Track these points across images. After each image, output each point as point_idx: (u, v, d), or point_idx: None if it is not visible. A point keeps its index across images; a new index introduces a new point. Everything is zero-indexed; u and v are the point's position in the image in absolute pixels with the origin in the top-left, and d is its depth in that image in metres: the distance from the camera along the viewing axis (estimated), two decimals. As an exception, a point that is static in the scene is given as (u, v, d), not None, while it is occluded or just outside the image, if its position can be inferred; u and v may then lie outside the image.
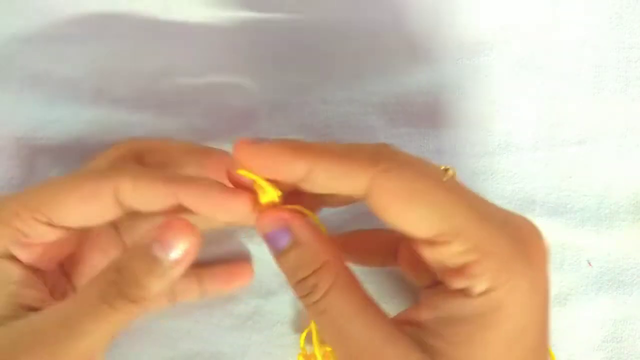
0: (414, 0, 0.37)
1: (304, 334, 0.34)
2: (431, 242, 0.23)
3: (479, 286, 0.23)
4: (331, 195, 0.26)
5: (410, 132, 0.36)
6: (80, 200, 0.26)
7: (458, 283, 0.23)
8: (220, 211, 0.25)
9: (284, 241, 0.24)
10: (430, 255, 0.24)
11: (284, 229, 0.24)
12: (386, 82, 0.36)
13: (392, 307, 0.35)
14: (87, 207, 0.26)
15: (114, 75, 0.36)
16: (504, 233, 0.23)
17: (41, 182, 0.28)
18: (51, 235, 0.27)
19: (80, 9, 0.37)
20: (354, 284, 0.25)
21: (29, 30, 0.36)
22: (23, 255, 0.27)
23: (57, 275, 0.30)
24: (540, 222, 0.35)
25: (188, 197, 0.25)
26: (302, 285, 0.24)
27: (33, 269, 0.27)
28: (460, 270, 0.23)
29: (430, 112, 0.36)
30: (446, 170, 0.27)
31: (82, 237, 0.30)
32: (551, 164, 0.36)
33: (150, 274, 0.24)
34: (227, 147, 0.36)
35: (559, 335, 0.34)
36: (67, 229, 0.27)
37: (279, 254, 0.25)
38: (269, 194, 0.25)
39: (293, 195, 0.26)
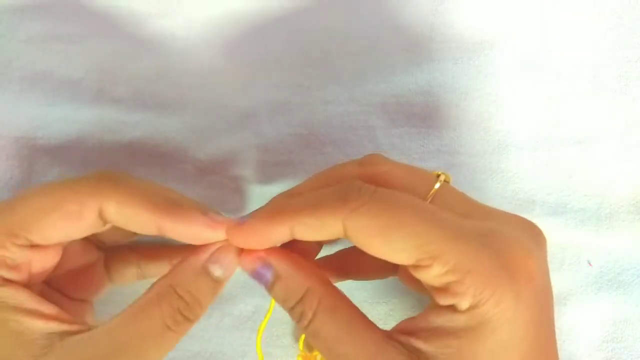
0: (413, 0, 0.37)
1: (302, 337, 0.34)
2: (414, 266, 0.24)
3: (464, 303, 0.23)
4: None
5: (410, 132, 0.36)
6: (63, 219, 0.26)
7: (445, 300, 0.24)
8: (199, 242, 0.27)
9: (268, 276, 0.26)
10: (417, 276, 0.25)
11: (266, 265, 0.26)
12: (386, 82, 0.36)
13: (390, 307, 0.35)
14: (69, 226, 0.26)
15: (114, 75, 0.36)
16: (484, 249, 0.24)
17: (18, 199, 0.27)
18: (34, 254, 0.27)
19: (80, 9, 0.37)
20: (339, 306, 0.26)
21: (29, 30, 0.36)
22: (14, 277, 0.26)
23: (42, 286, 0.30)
24: (540, 222, 0.35)
25: (170, 231, 0.26)
26: (292, 313, 0.26)
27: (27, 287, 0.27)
28: (445, 289, 0.24)
29: (430, 112, 0.36)
30: (438, 175, 0.27)
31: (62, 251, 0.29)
32: (551, 164, 0.36)
33: (209, 293, 0.27)
34: (226, 148, 0.36)
35: (559, 335, 0.34)
36: (44, 247, 0.27)
37: (267, 288, 0.27)
38: None
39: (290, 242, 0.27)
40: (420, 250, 0.23)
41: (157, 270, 0.33)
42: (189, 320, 0.26)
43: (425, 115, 0.36)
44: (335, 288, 0.26)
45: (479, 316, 0.23)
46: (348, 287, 0.34)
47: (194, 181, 0.36)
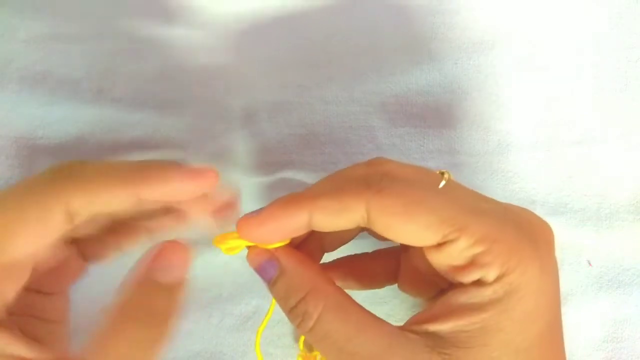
0: (413, 0, 0.37)
1: (302, 337, 0.34)
2: (438, 246, 0.24)
3: (492, 274, 0.23)
4: (330, 240, 0.29)
5: (410, 132, 0.36)
6: (27, 228, 0.24)
7: (471, 276, 0.24)
8: (185, 197, 0.26)
9: (272, 271, 0.26)
10: (439, 258, 0.24)
11: (272, 260, 0.26)
12: (386, 82, 0.36)
13: (391, 307, 0.35)
14: (36, 233, 0.25)
15: (114, 75, 0.36)
16: (507, 221, 0.24)
17: None
18: (4, 274, 0.25)
19: (80, 9, 0.37)
20: (346, 304, 0.25)
21: (29, 30, 0.36)
22: None
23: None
24: (541, 222, 0.35)
25: (151, 194, 0.25)
26: (294, 313, 0.25)
27: None
28: (470, 264, 0.24)
29: (430, 112, 0.36)
30: (442, 174, 0.27)
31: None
32: (551, 164, 0.36)
33: (174, 313, 0.26)
34: (226, 148, 0.36)
35: (559, 335, 0.35)
36: (18, 259, 0.25)
37: (270, 284, 0.26)
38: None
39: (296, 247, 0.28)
40: (447, 224, 0.23)
41: (136, 243, 0.31)
42: (158, 343, 0.25)
43: (425, 115, 0.36)
44: (339, 288, 0.26)
45: (506, 285, 0.23)
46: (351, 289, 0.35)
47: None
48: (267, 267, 0.26)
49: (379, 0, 0.37)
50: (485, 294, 0.23)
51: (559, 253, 0.35)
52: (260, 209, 0.26)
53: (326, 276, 0.26)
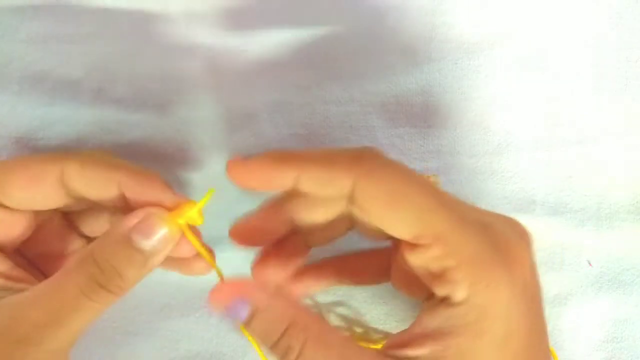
0: (413, 0, 0.37)
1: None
2: (412, 246, 0.24)
3: (459, 293, 0.23)
4: (316, 236, 0.29)
5: (410, 132, 0.36)
6: (25, 181, 0.27)
7: (440, 289, 0.24)
8: (159, 202, 0.26)
9: (244, 311, 0.24)
10: (413, 259, 0.24)
11: (242, 299, 0.24)
12: (386, 82, 0.36)
13: (390, 307, 0.35)
14: (32, 189, 0.27)
15: (114, 75, 0.36)
16: (483, 238, 0.24)
17: None
18: (2, 215, 0.28)
19: (80, 9, 0.37)
20: (328, 335, 0.24)
21: (29, 30, 0.36)
22: None
23: (16, 258, 0.30)
24: (540, 222, 0.35)
25: (130, 189, 0.27)
26: (276, 349, 0.24)
27: None
28: (441, 276, 0.24)
29: (430, 112, 0.36)
30: (428, 177, 0.27)
31: (36, 222, 0.30)
32: (551, 164, 0.36)
33: (131, 265, 0.25)
34: (226, 148, 0.36)
35: (559, 335, 0.35)
36: (13, 210, 0.28)
37: (245, 325, 0.24)
38: (205, 256, 0.28)
39: (278, 243, 0.28)
40: (423, 226, 0.23)
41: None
42: (108, 291, 0.25)
43: (425, 115, 0.36)
44: (318, 318, 0.26)
45: (475, 308, 0.23)
46: (348, 287, 0.35)
47: (194, 181, 0.36)
48: (237, 307, 0.24)
49: (378, 0, 0.37)
50: (457, 315, 0.23)
51: (559, 253, 0.35)
52: (252, 156, 0.25)
53: (303, 306, 0.26)
